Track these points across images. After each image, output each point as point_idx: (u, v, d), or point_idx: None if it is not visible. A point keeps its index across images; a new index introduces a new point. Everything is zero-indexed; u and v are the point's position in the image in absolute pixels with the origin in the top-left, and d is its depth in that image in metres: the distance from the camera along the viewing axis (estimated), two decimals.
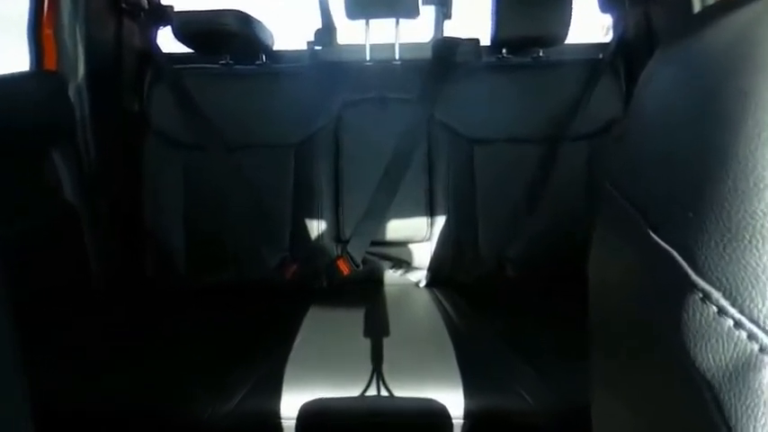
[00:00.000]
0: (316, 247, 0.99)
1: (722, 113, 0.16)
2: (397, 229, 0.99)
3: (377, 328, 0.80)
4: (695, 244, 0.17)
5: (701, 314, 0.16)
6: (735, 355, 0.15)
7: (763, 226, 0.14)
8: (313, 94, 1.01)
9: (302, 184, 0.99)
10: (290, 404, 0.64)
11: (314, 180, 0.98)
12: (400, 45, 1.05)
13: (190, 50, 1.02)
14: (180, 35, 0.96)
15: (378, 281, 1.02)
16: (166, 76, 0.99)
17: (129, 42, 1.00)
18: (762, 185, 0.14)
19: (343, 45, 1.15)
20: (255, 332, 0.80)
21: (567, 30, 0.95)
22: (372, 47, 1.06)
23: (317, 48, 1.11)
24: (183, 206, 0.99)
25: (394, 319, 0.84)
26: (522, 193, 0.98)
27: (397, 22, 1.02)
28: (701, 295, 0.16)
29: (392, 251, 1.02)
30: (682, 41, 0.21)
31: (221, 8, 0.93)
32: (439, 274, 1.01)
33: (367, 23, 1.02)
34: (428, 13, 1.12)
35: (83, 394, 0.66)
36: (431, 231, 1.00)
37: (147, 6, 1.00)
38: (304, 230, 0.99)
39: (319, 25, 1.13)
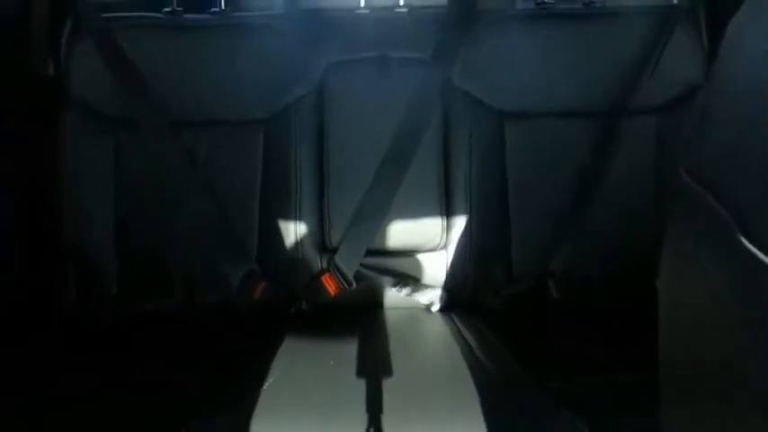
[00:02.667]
0: (293, 258, 0.87)
1: None
2: (401, 234, 0.86)
3: (374, 368, 0.69)
4: None
5: None
6: None
7: None
8: (288, 53, 0.89)
9: (274, 174, 0.87)
10: None
11: (290, 169, 0.86)
12: None
13: None
14: None
15: (376, 303, 0.90)
16: (92, 28, 0.85)
17: None
18: None
19: None
20: (211, 372, 0.69)
21: None
22: None
23: None
24: (114, 203, 0.86)
25: (396, 353, 0.73)
26: (569, 186, 0.86)
27: None
28: None
29: (395, 263, 0.89)
30: None
31: None
32: (458, 294, 0.89)
33: None
34: None
35: None
36: (447, 237, 0.87)
37: None
38: (277, 236, 0.87)
39: None
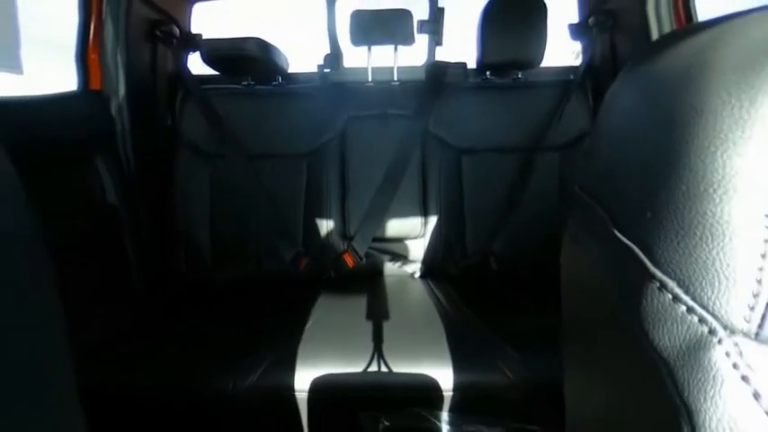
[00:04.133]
0: (325, 243, 1.08)
1: (677, 128, 0.17)
2: (395, 227, 1.08)
3: (378, 313, 0.86)
4: (653, 240, 0.18)
5: (659, 301, 0.18)
6: (687, 337, 0.17)
7: (711, 225, 0.16)
8: (322, 111, 1.11)
9: (313, 188, 1.08)
10: (303, 379, 0.69)
11: (323, 185, 1.08)
12: (398, 68, 1.16)
13: (216, 73, 1.13)
14: (207, 60, 1.07)
15: (378, 272, 1.12)
16: (195, 95, 1.09)
17: (162, 66, 1.11)
18: (711, 190, 0.16)
19: (349, 68, 1.26)
20: (273, 317, 0.86)
21: (542, 55, 1.05)
22: (374, 70, 1.16)
23: (325, 70, 1.21)
24: (210, 209, 1.08)
25: (392, 305, 0.92)
26: (503, 196, 1.08)
27: (396, 48, 1.12)
28: (658, 285, 0.18)
29: (391, 246, 1.12)
30: (642, 65, 0.22)
31: (243, 36, 1.03)
32: (432, 266, 1.11)
33: (369, 49, 1.12)
34: (422, 40, 1.23)
35: (123, 379, 0.72)
36: (425, 229, 1.10)
37: (178, 34, 1.12)
38: (315, 228, 1.08)
39: (328, 51, 1.24)
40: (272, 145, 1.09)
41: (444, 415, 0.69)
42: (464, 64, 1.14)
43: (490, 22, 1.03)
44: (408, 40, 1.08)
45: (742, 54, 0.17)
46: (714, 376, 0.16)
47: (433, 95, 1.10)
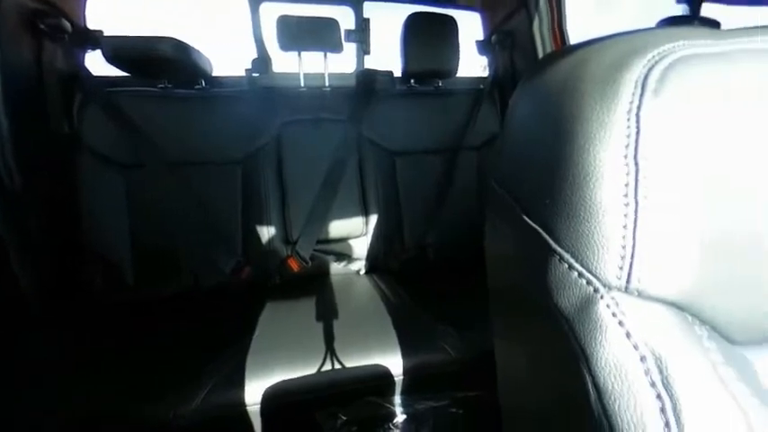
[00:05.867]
0: (267, 249, 1.05)
1: (561, 131, 0.20)
2: (338, 228, 1.09)
3: (327, 313, 0.87)
4: (552, 222, 0.21)
5: (558, 271, 0.21)
6: (580, 296, 0.20)
7: (589, 206, 0.19)
8: (253, 116, 1.07)
9: (250, 195, 1.05)
10: (254, 392, 0.66)
11: (261, 190, 1.05)
12: (329, 74, 1.17)
13: (125, 74, 1.01)
14: (111, 59, 0.95)
15: (324, 273, 1.13)
16: (97, 97, 0.97)
17: (51, 64, 0.96)
18: (587, 180, 0.19)
19: (279, 73, 1.23)
20: (215, 332, 0.80)
21: (457, 65, 1.16)
22: (305, 75, 1.16)
23: (254, 74, 1.17)
24: (129, 223, 0.98)
25: (340, 303, 0.93)
26: (433, 193, 1.16)
27: (326, 56, 1.14)
28: (558, 258, 0.21)
29: (335, 247, 1.13)
30: (532, 79, 0.25)
31: (156, 35, 0.93)
32: (375, 262, 1.15)
33: (299, 55, 1.13)
34: (351, 48, 1.27)
35: (41, 418, 0.63)
36: (366, 228, 1.13)
37: (70, 29, 0.97)
38: (255, 236, 1.05)
39: (255, 56, 1.21)
40: (200, 152, 1.04)
41: (397, 399, 0.72)
42: (390, 72, 1.21)
43: (411, 35, 1.12)
44: (337, 47, 1.10)
45: (602, 70, 0.20)
46: (600, 325, 0.20)
47: (365, 101, 1.14)
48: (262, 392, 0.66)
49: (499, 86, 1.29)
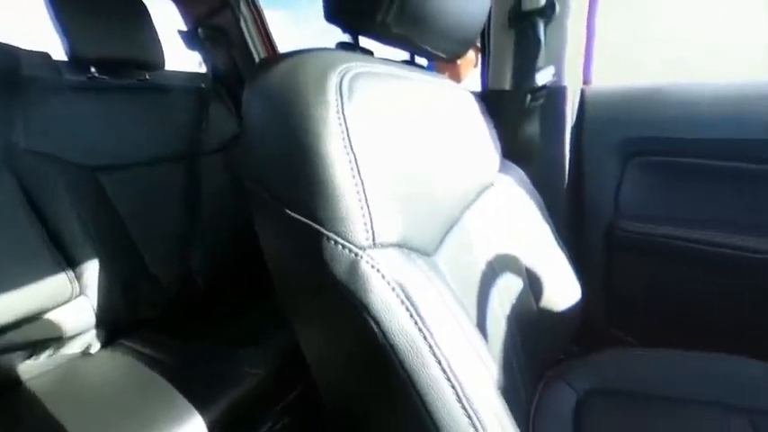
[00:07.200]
0: None
1: (294, 126, 0.26)
2: (21, 302, 0.68)
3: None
4: (314, 209, 0.26)
5: (328, 248, 0.26)
6: (348, 264, 0.26)
7: (335, 189, 0.26)
8: None
9: None
10: None
11: None
12: None
13: None
14: None
15: (16, 381, 0.70)
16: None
17: None
18: (326, 168, 0.25)
19: None
20: None
21: (162, 56, 0.96)
22: None
23: None
24: None
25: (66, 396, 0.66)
26: (179, 210, 0.97)
27: None
28: (325, 238, 0.26)
29: (20, 334, 0.70)
30: (258, 79, 0.29)
31: None
32: (113, 326, 0.83)
33: None
34: None
35: None
36: (80, 285, 0.76)
37: None
38: None
39: None
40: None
41: None
42: (47, 54, 0.85)
43: (74, 10, 0.82)
44: None
45: (313, 77, 0.26)
46: (368, 280, 0.26)
47: (11, 95, 0.77)
48: None
49: (225, 85, 1.19)
